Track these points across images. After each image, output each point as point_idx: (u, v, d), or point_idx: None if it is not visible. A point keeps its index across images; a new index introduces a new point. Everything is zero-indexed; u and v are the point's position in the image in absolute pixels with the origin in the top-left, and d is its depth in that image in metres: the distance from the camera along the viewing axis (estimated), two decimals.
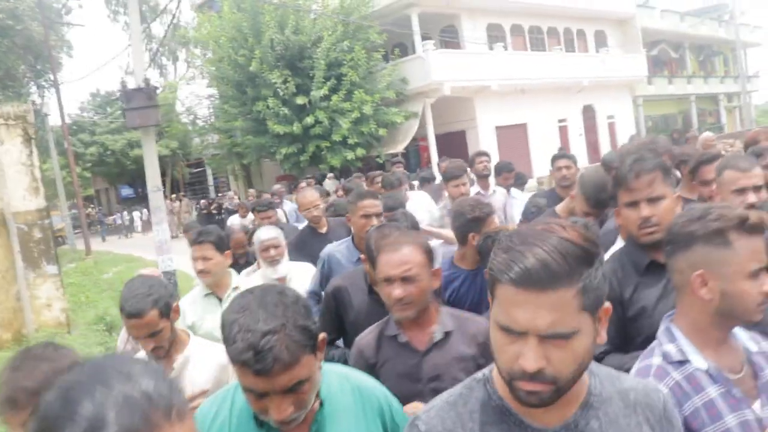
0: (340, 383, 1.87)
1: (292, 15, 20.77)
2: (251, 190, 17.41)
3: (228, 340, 1.56)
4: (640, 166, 2.51)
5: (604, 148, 27.51)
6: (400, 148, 22.07)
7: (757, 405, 1.73)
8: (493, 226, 3.55)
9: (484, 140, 23.78)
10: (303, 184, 11.33)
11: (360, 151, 21.27)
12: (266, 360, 1.51)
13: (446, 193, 6.07)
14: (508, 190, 6.69)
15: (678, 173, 4.79)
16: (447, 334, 2.42)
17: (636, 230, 2.49)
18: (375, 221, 3.86)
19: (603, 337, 1.29)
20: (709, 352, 1.77)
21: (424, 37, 23.92)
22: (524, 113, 26.03)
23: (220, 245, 3.85)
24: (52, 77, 24.17)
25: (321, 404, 1.77)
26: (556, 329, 1.18)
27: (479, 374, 1.42)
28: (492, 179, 6.90)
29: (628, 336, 2.45)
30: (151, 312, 2.57)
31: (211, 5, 26.71)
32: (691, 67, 42.52)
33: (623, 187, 2.54)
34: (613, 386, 1.41)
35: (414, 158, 24.85)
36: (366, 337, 2.55)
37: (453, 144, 23.90)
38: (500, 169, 7.17)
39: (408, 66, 22.95)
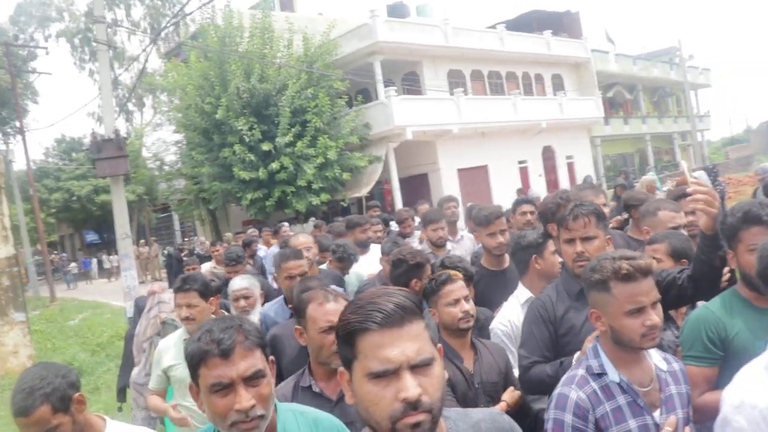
0: (296, 417, 2.03)
1: (257, 64, 21.24)
2: (228, 234, 17.54)
3: (191, 351, 1.83)
4: (579, 210, 2.99)
5: (564, 188, 28.29)
6: (364, 191, 22.49)
7: (657, 413, 2.13)
8: (428, 273, 3.75)
9: (447, 182, 24.39)
10: (285, 226, 10.99)
11: (324, 196, 21.63)
12: (226, 343, 1.78)
13: (422, 236, 6.19)
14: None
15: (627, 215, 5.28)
16: None
17: (571, 263, 2.99)
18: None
19: (445, 374, 1.48)
20: (623, 368, 2.16)
21: (387, 84, 24.57)
22: (485, 155, 26.69)
23: (205, 292, 3.86)
24: (18, 124, 24.25)
25: None
26: (422, 356, 1.32)
27: None
28: (461, 223, 6.99)
29: (559, 350, 2.94)
30: (40, 408, 2.26)
31: (178, 53, 27.16)
32: (645, 107, 43.99)
33: (563, 227, 3.04)
34: (465, 423, 1.57)
35: (379, 201, 25.23)
36: (283, 388, 2.70)
37: (416, 186, 24.46)
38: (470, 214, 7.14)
39: (371, 112, 23.52)
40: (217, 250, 9.24)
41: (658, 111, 46.04)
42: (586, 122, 33.18)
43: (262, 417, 1.81)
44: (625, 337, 2.13)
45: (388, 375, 1.31)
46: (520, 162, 29.04)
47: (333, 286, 3.58)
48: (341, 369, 1.43)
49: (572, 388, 2.16)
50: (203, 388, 1.81)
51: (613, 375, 2.16)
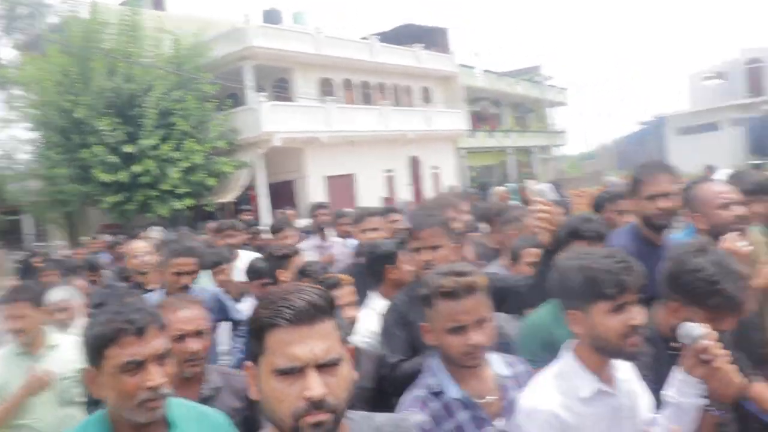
0: (187, 410, 2.06)
1: (121, 63, 20.59)
2: (85, 238, 16.76)
3: (99, 332, 1.84)
4: (426, 221, 3.14)
5: (430, 196, 29.33)
6: (230, 197, 22.38)
7: (500, 422, 2.13)
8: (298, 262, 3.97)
9: (314, 190, 24.71)
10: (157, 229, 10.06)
11: (189, 201, 21.31)
12: (141, 322, 1.84)
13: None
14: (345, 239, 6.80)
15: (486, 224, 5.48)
16: (216, 390, 2.61)
17: (420, 270, 3.08)
18: (186, 279, 3.90)
19: (353, 376, 1.44)
20: (462, 383, 2.12)
21: (258, 89, 24.57)
22: (353, 164, 27.21)
23: (37, 301, 3.62)
24: None
25: (170, 427, 1.95)
26: (330, 355, 1.32)
27: None
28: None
29: (416, 351, 3.02)
30: None
31: (36, 45, 25.78)
32: (509, 122, 46.30)
33: (412, 236, 3.16)
34: (368, 426, 1.58)
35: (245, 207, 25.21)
36: None
37: (284, 193, 24.61)
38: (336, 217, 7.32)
39: (240, 116, 23.48)
40: (79, 254, 8.91)
41: (520, 126, 48.56)
42: (452, 134, 34.52)
43: (166, 396, 1.86)
44: (451, 355, 2.11)
45: (294, 372, 1.31)
46: (387, 171, 29.82)
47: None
48: (248, 363, 1.42)
49: (413, 412, 2.13)
50: (110, 369, 1.82)
51: (453, 392, 2.12)
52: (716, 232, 2.91)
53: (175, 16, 27.79)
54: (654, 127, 48.62)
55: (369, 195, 26.28)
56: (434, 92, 35.74)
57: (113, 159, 20.01)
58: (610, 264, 1.94)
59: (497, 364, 2.24)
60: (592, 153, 61.88)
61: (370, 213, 5.04)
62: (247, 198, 25.02)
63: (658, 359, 2.25)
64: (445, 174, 33.70)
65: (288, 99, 26.25)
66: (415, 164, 32.01)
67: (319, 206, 7.42)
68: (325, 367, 1.32)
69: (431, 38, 37.73)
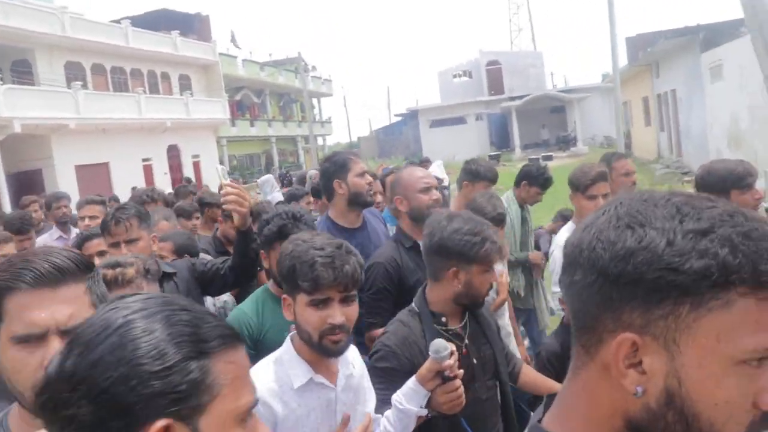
0: None
1: None
2: None
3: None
4: (119, 214, 3.02)
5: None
6: None
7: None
8: None
9: (63, 179, 23.42)
10: None
11: None
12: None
13: None
14: None
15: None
16: None
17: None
18: None
19: None
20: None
21: None
22: (107, 152, 26.27)
23: None
24: None
25: None
26: (75, 321, 1.19)
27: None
28: None
29: None
30: None
31: None
32: (271, 111, 47.08)
33: (106, 232, 3.06)
34: None
35: None
36: None
37: (30, 183, 23.00)
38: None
39: None
40: None
41: (284, 115, 49.57)
42: (213, 123, 34.51)
43: None
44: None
45: (32, 340, 1.20)
46: (145, 160, 29.12)
47: None
48: None
49: None
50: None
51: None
52: (415, 214, 3.20)
53: None
54: (409, 119, 52.30)
55: (126, 184, 25.49)
56: (194, 80, 35.40)
57: None
58: (313, 256, 1.89)
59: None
60: (356, 143, 64.87)
61: (90, 201, 5.10)
62: None
63: (430, 334, 2.30)
64: (206, 162, 33.58)
65: (30, 82, 24.55)
66: (173, 152, 31.54)
67: (58, 197, 6.88)
68: (70, 333, 1.06)
69: (190, 25, 37.25)
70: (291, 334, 2.06)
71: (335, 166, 3.57)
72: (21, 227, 5.26)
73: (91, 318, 0.88)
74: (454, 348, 2.08)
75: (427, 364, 2.04)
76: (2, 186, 21.71)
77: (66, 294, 1.23)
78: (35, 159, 23.90)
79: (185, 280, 3.09)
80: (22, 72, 24.98)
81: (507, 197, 4.92)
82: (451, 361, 2.05)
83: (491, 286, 2.43)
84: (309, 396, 1.96)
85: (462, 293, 2.33)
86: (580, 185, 3.78)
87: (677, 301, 0.73)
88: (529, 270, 4.90)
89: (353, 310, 1.96)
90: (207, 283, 3.19)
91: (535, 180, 4.84)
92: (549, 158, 31.00)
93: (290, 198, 6.71)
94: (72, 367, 0.82)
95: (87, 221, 5.02)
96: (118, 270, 2.13)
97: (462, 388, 2.08)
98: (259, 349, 2.51)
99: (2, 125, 21.46)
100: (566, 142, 39.22)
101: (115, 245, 2.99)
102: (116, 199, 7.50)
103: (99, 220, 4.71)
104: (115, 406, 0.79)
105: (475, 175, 4.61)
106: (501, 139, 44.92)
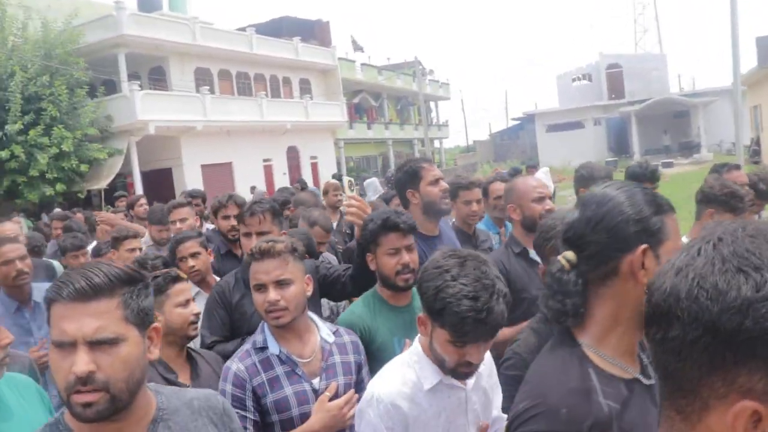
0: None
1: None
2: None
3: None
4: (255, 207, 3.35)
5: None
6: (103, 184, 22.43)
7: (316, 380, 2.38)
8: None
9: (190, 177, 25.11)
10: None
11: (60, 186, 21.22)
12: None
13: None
14: None
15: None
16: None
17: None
18: (19, 265, 3.68)
19: (155, 353, 1.50)
20: (284, 342, 2.38)
21: (133, 77, 24.63)
22: (230, 153, 27.85)
23: None
24: None
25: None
26: (102, 334, 1.33)
27: (51, 419, 1.49)
28: None
29: (235, 332, 3.24)
30: None
31: None
32: (389, 114, 47.89)
33: (242, 222, 3.40)
34: (179, 399, 1.62)
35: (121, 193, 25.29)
36: None
37: (160, 181, 24.89)
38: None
39: (113, 104, 23.46)
40: None
41: (401, 118, 50.27)
42: (331, 125, 35.63)
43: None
44: (259, 312, 2.42)
45: (65, 347, 1.33)
46: (265, 160, 30.58)
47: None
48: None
49: (234, 361, 2.37)
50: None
51: (273, 348, 2.37)
52: (528, 223, 3.24)
53: None
54: (526, 123, 51.64)
55: (247, 183, 26.90)
56: (313, 84, 36.61)
57: None
58: (465, 310, 1.79)
59: (324, 331, 2.49)
60: (472, 146, 64.84)
61: (177, 205, 5.17)
62: (125, 185, 25.12)
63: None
64: (323, 164, 34.76)
65: (164, 87, 26.46)
66: (293, 154, 32.89)
67: (191, 195, 7.21)
68: (98, 344, 1.33)
69: (311, 31, 38.62)
70: (419, 337, 2.08)
71: (407, 176, 3.52)
72: (161, 218, 5.42)
73: (594, 192, 1.46)
74: None
75: None
76: (137, 182, 23.60)
77: (96, 308, 1.35)
78: (166, 159, 25.77)
79: None
80: (157, 79, 26.97)
81: None
82: None
83: None
84: (440, 396, 2.02)
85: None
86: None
87: None
88: None
89: (489, 346, 1.95)
90: (328, 287, 3.32)
91: (642, 177, 4.43)
92: (669, 165, 29.88)
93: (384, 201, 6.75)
94: (591, 214, 1.40)
95: (178, 224, 5.03)
96: (270, 243, 2.38)
97: None
98: (371, 346, 2.64)
99: (139, 127, 23.35)
100: (689, 149, 37.43)
101: (248, 235, 3.29)
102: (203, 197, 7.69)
103: (189, 222, 5.10)
104: (619, 236, 1.34)
105: (588, 178, 4.39)
106: (620, 145, 43.41)
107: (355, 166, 41.67)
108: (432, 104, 56.94)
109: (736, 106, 20.50)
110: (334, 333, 2.50)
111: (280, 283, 2.33)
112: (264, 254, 2.35)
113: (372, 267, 2.79)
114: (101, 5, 26.24)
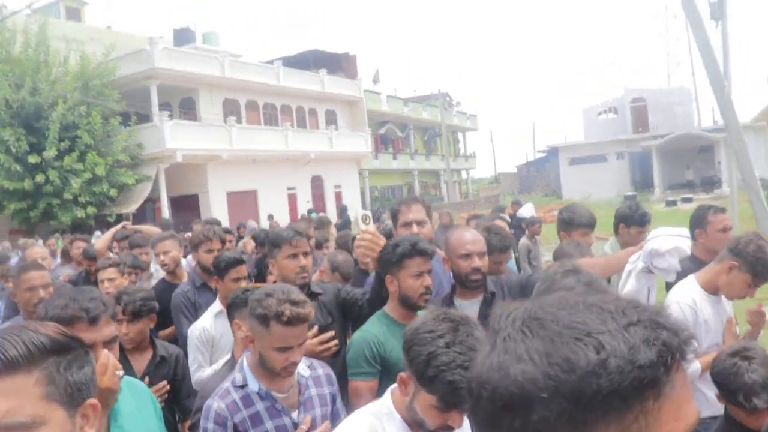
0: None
1: (28, 76, 21.56)
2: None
3: (56, 314, 2.01)
4: (299, 230, 3.51)
5: (331, 214, 31.07)
6: (132, 208, 23.58)
7: (295, 413, 2.43)
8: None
9: (216, 204, 26.23)
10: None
11: (91, 209, 22.46)
12: (95, 312, 2.06)
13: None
14: None
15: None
16: None
17: (294, 275, 3.33)
18: (42, 293, 3.62)
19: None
20: (264, 379, 2.41)
21: (164, 107, 25.92)
22: (255, 181, 28.91)
23: None
24: None
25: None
26: (11, 418, 1.09)
27: None
28: None
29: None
30: None
31: None
32: (415, 145, 48.72)
33: (288, 243, 3.39)
34: None
35: (150, 218, 26.42)
36: None
37: (187, 206, 26.00)
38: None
39: (144, 133, 24.73)
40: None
41: (428, 149, 51.10)
42: (355, 155, 36.56)
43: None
44: (269, 365, 2.39)
45: None
46: (289, 188, 31.60)
47: None
48: None
49: (215, 399, 2.39)
50: None
51: (253, 385, 2.41)
52: (457, 279, 3.21)
53: (89, 27, 29.05)
54: (551, 156, 51.90)
55: (272, 210, 27.80)
56: (339, 115, 37.69)
57: (17, 168, 21.00)
58: (458, 381, 1.74)
59: (299, 366, 2.50)
60: (498, 177, 65.32)
61: (163, 238, 5.19)
62: (153, 210, 26.27)
63: None
64: (347, 193, 35.66)
65: (194, 117, 27.73)
66: (317, 182, 33.86)
67: (210, 223, 7.24)
68: (7, 431, 1.09)
69: (339, 64, 39.78)
70: (392, 387, 2.05)
71: (392, 213, 3.75)
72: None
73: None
74: None
75: None
76: (165, 207, 24.72)
77: (10, 386, 1.10)
78: (193, 185, 26.93)
79: (329, 303, 3.46)
80: (187, 109, 28.29)
81: (611, 245, 4.61)
82: None
83: None
84: None
85: None
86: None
87: (643, 398, 0.70)
88: None
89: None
90: (347, 310, 3.48)
91: (630, 219, 4.31)
92: (689, 200, 29.85)
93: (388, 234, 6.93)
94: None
95: (162, 257, 5.02)
96: (299, 310, 2.33)
97: None
98: (385, 364, 2.73)
99: (167, 155, 24.54)
100: (711, 184, 37.37)
101: (294, 256, 3.35)
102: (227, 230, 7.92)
103: (173, 255, 5.01)
104: None
105: (569, 223, 4.19)
106: (643, 179, 43.31)
107: (379, 196, 42.49)
108: (459, 135, 57.70)
109: (738, 145, 20.64)
110: (308, 367, 2.57)
111: (301, 345, 2.42)
112: (299, 320, 2.33)
113: (391, 288, 2.88)
114: (138, 38, 27.73)
